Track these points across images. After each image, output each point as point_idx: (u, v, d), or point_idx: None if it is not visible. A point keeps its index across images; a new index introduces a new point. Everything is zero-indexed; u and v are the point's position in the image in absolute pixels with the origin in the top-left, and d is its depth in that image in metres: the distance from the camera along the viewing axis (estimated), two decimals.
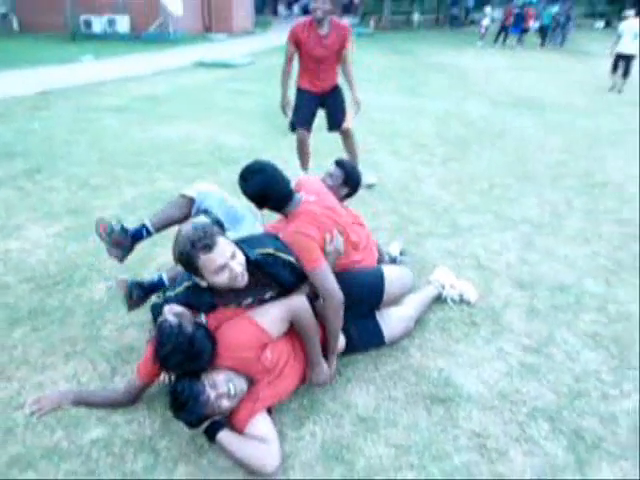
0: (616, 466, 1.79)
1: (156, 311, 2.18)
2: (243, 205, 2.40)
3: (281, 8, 36.76)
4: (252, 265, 1.91)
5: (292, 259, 2.02)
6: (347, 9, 37.05)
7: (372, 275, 2.37)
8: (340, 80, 4.23)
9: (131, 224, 2.42)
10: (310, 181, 2.46)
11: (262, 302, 2.01)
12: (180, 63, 12.02)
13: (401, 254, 2.98)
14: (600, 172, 5.17)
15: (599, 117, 7.99)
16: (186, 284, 2.03)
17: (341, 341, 2.16)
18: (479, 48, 19.68)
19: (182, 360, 1.70)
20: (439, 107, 8.16)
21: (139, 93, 8.39)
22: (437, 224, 3.74)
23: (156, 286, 2.35)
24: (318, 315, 2.03)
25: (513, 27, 20.47)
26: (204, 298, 1.94)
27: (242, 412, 1.79)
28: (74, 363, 2.22)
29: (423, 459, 1.80)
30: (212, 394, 1.67)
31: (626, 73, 10.22)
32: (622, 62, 10.23)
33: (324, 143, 4.96)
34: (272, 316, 1.85)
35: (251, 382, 1.81)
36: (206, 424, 1.74)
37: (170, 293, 2.09)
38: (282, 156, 4.88)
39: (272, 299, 2.04)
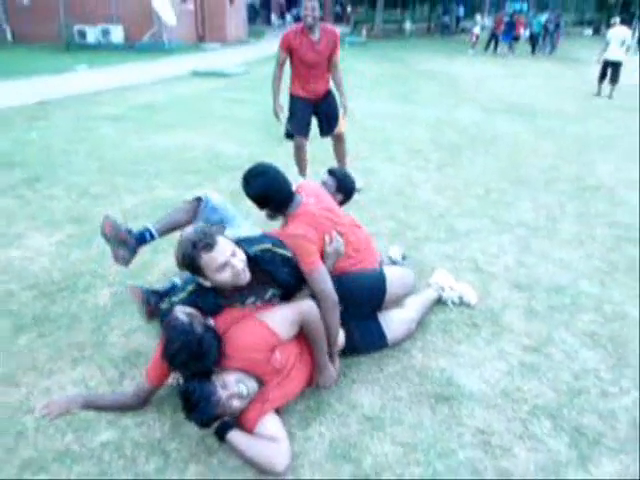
0: (616, 461, 1.84)
1: (164, 317, 2.21)
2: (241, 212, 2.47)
3: (274, 17, 37.01)
4: (251, 262, 1.97)
5: (289, 254, 2.09)
6: (339, 18, 37.36)
7: (373, 276, 2.42)
8: (331, 86, 4.33)
9: (135, 229, 2.46)
10: (310, 185, 2.54)
11: (264, 301, 2.06)
12: (175, 72, 12.09)
13: (403, 258, 3.03)
14: (591, 176, 5.26)
15: (589, 122, 8.13)
16: (190, 288, 2.08)
17: (341, 337, 2.20)
18: (470, 56, 19.91)
19: (189, 359, 1.74)
20: (431, 114, 8.26)
21: (135, 102, 8.44)
22: (434, 229, 3.80)
23: (171, 292, 2.38)
24: None
25: (504, 35, 20.73)
26: (209, 299, 1.99)
27: (251, 412, 1.82)
28: (82, 368, 2.25)
29: (429, 456, 1.84)
30: (223, 394, 1.71)
31: (614, 79, 10.41)
32: (610, 69, 10.43)
33: (320, 150, 5.02)
34: (282, 319, 1.90)
35: (261, 383, 1.84)
36: (216, 424, 1.77)
37: (175, 298, 2.12)
38: (279, 163, 4.88)
39: (274, 297, 2.09)
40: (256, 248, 2.04)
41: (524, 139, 6.86)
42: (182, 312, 1.82)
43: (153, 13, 16.50)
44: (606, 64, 10.44)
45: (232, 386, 1.74)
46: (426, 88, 11.34)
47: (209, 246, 1.81)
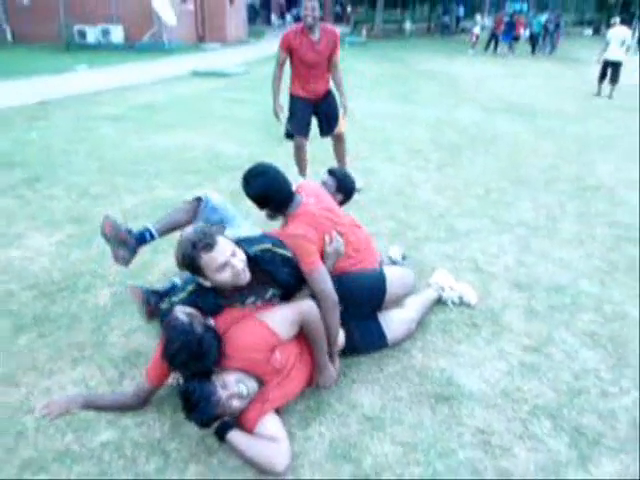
0: (617, 460, 1.84)
1: (164, 317, 2.20)
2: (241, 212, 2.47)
3: (274, 17, 37.01)
4: (251, 262, 1.97)
5: (289, 254, 2.09)
6: (339, 18, 37.36)
7: (373, 276, 2.42)
8: (331, 86, 4.34)
9: (135, 229, 2.46)
10: (310, 185, 2.54)
11: (264, 301, 2.06)
12: (175, 72, 12.09)
13: (403, 258, 3.03)
14: (591, 176, 5.26)
15: (589, 122, 8.13)
16: (189, 288, 2.08)
17: (341, 336, 2.20)
18: (470, 56, 19.91)
19: (189, 359, 1.74)
20: (431, 114, 8.26)
21: (135, 102, 8.44)
22: (434, 229, 3.80)
23: (171, 292, 2.38)
24: None
25: (504, 35, 20.73)
26: (209, 299, 1.99)
27: (251, 412, 1.82)
28: (82, 368, 2.25)
29: (429, 456, 1.84)
30: (223, 394, 1.71)
31: (614, 79, 10.41)
32: (610, 69, 10.43)
33: (320, 150, 5.02)
34: (282, 319, 1.90)
35: (261, 383, 1.84)
36: (216, 424, 1.77)
37: (175, 298, 2.12)
38: (279, 163, 4.88)
39: (274, 297, 2.09)
40: (256, 248, 2.04)
41: (524, 139, 6.86)
42: (182, 312, 1.82)
43: (153, 13, 16.51)
44: (606, 64, 10.44)
45: (232, 386, 1.74)
46: (426, 88, 11.34)
47: (209, 246, 1.82)
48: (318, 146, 4.94)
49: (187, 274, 2.08)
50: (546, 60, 19.17)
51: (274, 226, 2.56)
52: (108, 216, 2.39)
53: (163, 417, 1.98)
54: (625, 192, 4.77)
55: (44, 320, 2.57)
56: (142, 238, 2.42)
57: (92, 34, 17.00)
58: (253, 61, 15.42)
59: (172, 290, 2.32)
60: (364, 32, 26.69)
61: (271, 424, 1.81)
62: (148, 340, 2.40)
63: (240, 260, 1.90)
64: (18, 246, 3.34)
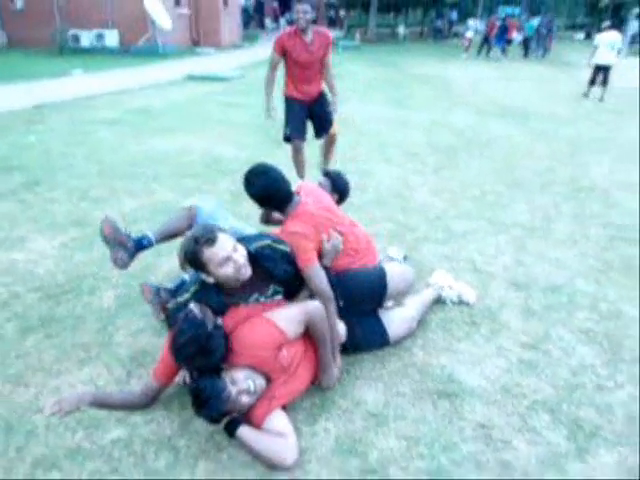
0: (614, 452, 1.90)
1: (173, 316, 2.23)
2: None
3: (268, 21, 37.09)
4: (252, 259, 2.04)
5: (288, 250, 2.16)
6: (332, 22, 37.51)
7: (374, 272, 2.47)
8: (324, 88, 4.43)
9: (133, 234, 2.48)
10: (309, 186, 2.62)
11: (267, 297, 2.12)
12: (170, 77, 12.11)
13: (405, 259, 3.09)
14: (585, 178, 5.35)
15: (581, 125, 8.24)
16: (193, 289, 2.12)
17: (341, 329, 2.25)
18: (464, 60, 20.07)
19: (195, 352, 1.79)
20: (426, 118, 8.34)
21: (131, 106, 8.46)
22: (432, 230, 3.86)
23: (181, 288, 2.41)
24: None
25: (496, 39, 20.89)
26: (213, 297, 2.04)
27: (259, 409, 1.86)
28: (89, 368, 2.28)
29: (433, 449, 1.89)
30: (233, 390, 1.75)
31: (604, 82, 10.57)
32: (600, 72, 10.59)
33: (318, 154, 5.07)
34: (289, 318, 1.95)
35: (268, 380, 1.89)
36: (225, 420, 1.81)
37: (180, 299, 2.17)
38: (279, 166, 4.97)
39: (276, 294, 2.14)
40: (256, 245, 2.12)
41: (518, 141, 6.95)
42: (197, 307, 1.87)
43: (148, 17, 16.52)
44: (597, 68, 10.60)
45: (241, 382, 1.78)
46: (420, 92, 11.44)
47: (211, 241, 1.90)
48: (316, 150, 4.99)
49: (193, 272, 2.13)
50: (539, 64, 19.37)
51: (272, 228, 2.61)
52: (107, 218, 2.38)
53: (172, 414, 2.02)
54: (618, 193, 4.85)
55: (50, 321, 2.60)
56: (140, 244, 2.43)
57: (86, 38, 16.98)
58: (248, 65, 15.47)
59: (182, 286, 2.36)
60: (358, 36, 26.83)
61: (278, 420, 1.86)
62: (154, 340, 2.44)
63: (241, 255, 1.97)
64: (21, 249, 3.37)
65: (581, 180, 5.26)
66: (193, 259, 1.94)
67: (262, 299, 2.11)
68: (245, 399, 1.79)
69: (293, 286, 2.22)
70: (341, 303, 2.25)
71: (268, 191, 2.30)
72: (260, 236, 2.24)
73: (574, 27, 40.48)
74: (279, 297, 2.16)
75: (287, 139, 4.46)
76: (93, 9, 16.87)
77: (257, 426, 1.85)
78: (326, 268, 2.24)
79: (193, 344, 1.76)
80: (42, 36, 16.46)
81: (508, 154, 6.23)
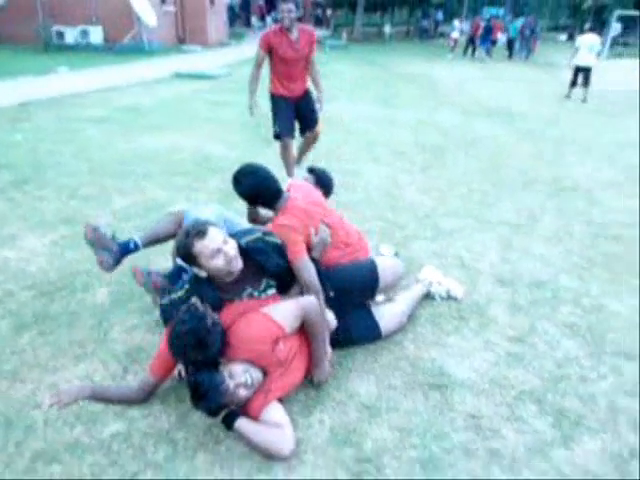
0: (597, 439, 1.98)
1: (167, 312, 2.26)
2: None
3: (254, 20, 36.97)
4: (243, 253, 2.10)
5: (279, 242, 2.23)
6: (319, 21, 37.54)
7: (366, 265, 2.54)
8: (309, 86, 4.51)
9: (125, 232, 2.51)
10: (299, 183, 2.69)
11: (261, 292, 2.16)
12: (156, 74, 12.04)
13: (396, 255, 3.15)
14: (568, 177, 5.48)
15: (565, 125, 8.40)
16: (186, 287, 2.16)
17: (331, 318, 2.30)
18: (449, 60, 20.25)
19: (192, 345, 1.82)
20: (412, 117, 8.44)
21: (119, 104, 8.42)
22: (421, 228, 3.93)
23: (175, 274, 2.44)
24: None
25: (481, 40, 21.11)
26: (208, 292, 2.08)
27: (256, 402, 1.91)
28: (85, 365, 2.30)
29: (425, 439, 1.95)
30: (231, 384, 1.79)
31: (586, 83, 10.79)
32: (581, 74, 10.80)
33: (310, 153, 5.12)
34: (286, 312, 2.00)
35: (265, 374, 1.93)
36: (223, 413, 1.86)
37: (174, 296, 2.20)
38: (267, 164, 5.00)
39: (269, 287, 2.19)
40: (247, 239, 2.19)
41: (503, 141, 7.07)
42: (199, 302, 1.91)
43: (133, 14, 16.37)
44: (577, 70, 10.81)
45: (239, 376, 1.82)
46: (406, 91, 11.54)
47: (201, 233, 1.96)
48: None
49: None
50: (523, 64, 19.64)
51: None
52: (88, 223, 2.44)
53: (169, 408, 2.06)
54: (601, 192, 4.98)
55: (44, 318, 2.61)
56: (126, 248, 2.46)
57: (71, 35, 16.77)
58: (235, 63, 15.44)
59: (176, 273, 2.39)
60: (344, 35, 26.89)
61: (275, 412, 1.90)
62: (149, 336, 2.47)
63: (232, 247, 2.03)
64: (12, 247, 3.36)
65: (565, 179, 5.39)
66: (184, 252, 2.00)
67: (255, 293, 2.15)
68: (242, 392, 1.83)
69: (285, 280, 2.27)
70: (332, 294, 2.31)
71: (257, 189, 2.36)
72: (251, 230, 2.32)
73: (557, 28, 41.02)
74: (272, 291, 2.21)
75: (277, 137, 4.51)
76: (77, 4, 16.65)
77: (254, 418, 1.89)
78: (315, 261, 2.30)
79: (192, 335, 1.80)
80: (26, 32, 16.20)
81: (494, 154, 6.34)
